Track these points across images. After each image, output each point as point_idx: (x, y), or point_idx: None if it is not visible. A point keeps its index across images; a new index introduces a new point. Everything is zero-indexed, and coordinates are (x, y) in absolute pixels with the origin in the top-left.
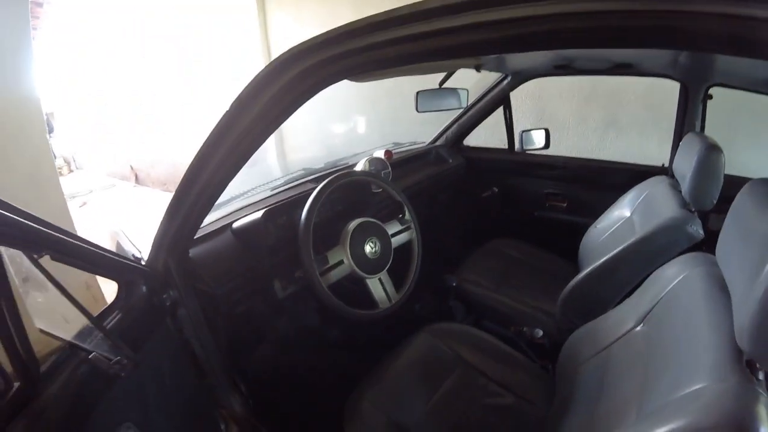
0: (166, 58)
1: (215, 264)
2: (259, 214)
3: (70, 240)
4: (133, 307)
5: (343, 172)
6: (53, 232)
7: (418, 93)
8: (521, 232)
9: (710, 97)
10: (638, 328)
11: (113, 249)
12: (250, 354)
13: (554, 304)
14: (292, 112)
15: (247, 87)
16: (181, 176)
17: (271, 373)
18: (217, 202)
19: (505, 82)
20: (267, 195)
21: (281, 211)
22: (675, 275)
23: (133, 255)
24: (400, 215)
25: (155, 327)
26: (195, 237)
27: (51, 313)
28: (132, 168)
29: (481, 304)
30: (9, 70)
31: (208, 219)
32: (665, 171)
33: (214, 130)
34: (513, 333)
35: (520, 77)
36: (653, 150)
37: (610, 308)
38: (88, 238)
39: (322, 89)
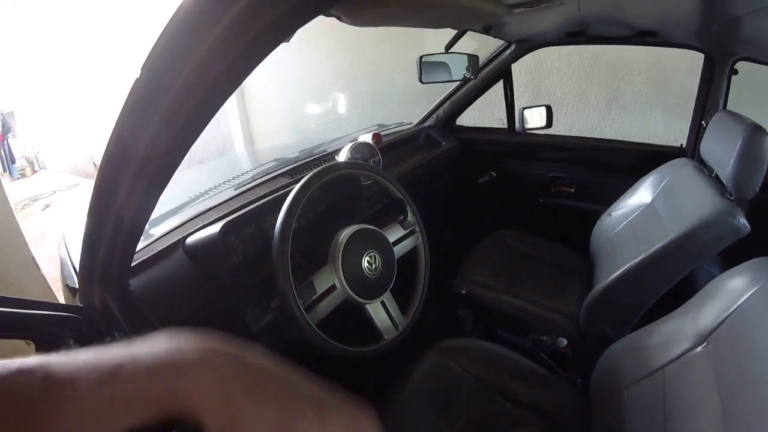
0: (124, 41)
1: (165, 297)
2: (215, 229)
3: None
4: None
5: (328, 165)
6: None
7: (421, 58)
8: (524, 222)
9: (736, 72)
10: (699, 349)
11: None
12: None
13: (573, 304)
14: (256, 65)
15: (175, 22)
16: None
17: None
18: (169, 208)
19: (508, 51)
20: (231, 195)
21: (247, 219)
22: (745, 286)
23: (67, 284)
24: (401, 217)
25: None
26: (133, 263)
27: None
28: (95, 165)
29: (493, 310)
30: None
31: (159, 231)
32: (684, 152)
33: (132, 94)
34: (531, 342)
35: (526, 46)
36: (658, 128)
37: (642, 313)
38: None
39: (302, 24)
